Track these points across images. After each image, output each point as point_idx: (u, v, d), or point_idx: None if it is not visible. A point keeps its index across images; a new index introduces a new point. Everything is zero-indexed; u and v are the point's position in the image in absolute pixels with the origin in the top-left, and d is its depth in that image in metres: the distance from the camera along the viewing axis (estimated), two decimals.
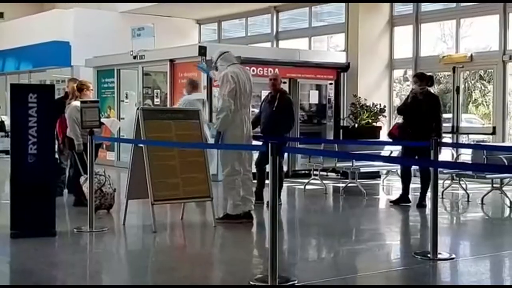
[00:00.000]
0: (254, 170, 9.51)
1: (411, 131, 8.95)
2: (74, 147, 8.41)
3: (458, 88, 12.66)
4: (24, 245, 6.30)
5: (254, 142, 10.17)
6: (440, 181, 7.68)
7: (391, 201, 9.52)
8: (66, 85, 10.10)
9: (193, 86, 10.26)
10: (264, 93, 11.11)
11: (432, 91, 9.39)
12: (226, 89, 7.48)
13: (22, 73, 19.34)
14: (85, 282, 5.38)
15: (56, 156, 8.66)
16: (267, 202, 8.77)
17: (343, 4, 14.43)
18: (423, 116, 8.96)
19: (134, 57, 14.26)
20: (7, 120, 18.10)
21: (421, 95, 9.07)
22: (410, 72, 13.65)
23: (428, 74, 9.63)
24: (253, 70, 12.15)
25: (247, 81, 7.71)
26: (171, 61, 13.65)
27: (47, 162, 6.68)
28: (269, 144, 5.02)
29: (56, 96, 8.94)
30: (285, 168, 11.99)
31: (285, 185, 10.48)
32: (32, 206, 6.52)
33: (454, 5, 13.08)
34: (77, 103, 8.17)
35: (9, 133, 17.09)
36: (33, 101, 6.55)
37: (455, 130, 12.68)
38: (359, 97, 13.02)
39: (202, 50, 12.64)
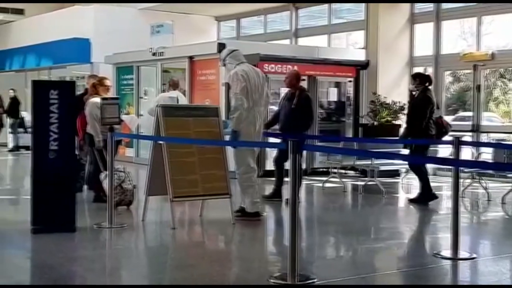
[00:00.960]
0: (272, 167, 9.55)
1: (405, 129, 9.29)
2: (94, 143, 8.45)
3: (478, 86, 12.55)
4: (45, 240, 6.35)
5: (272, 140, 10.22)
6: (460, 180, 7.60)
7: (410, 200, 9.46)
8: (86, 81, 10.15)
9: (171, 84, 10.86)
10: (283, 90, 11.10)
11: (429, 90, 9.35)
12: (238, 87, 7.50)
13: (42, 70, 19.47)
14: (104, 277, 5.41)
15: (76, 152, 8.70)
16: (286, 199, 8.84)
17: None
18: (410, 114, 9.31)
19: (153, 54, 14.32)
20: (27, 116, 18.26)
21: (415, 94, 9.26)
22: (430, 70, 13.54)
23: (426, 74, 9.77)
24: (272, 68, 12.16)
25: (258, 79, 7.72)
26: (190, 58, 13.68)
27: (67, 158, 6.72)
28: (289, 142, 4.99)
29: (76, 93, 8.97)
30: (303, 166, 11.98)
31: (303, 182, 10.47)
32: (52, 202, 6.56)
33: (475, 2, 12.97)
34: (96, 99, 8.21)
35: (29, 129, 17.26)
36: (54, 97, 6.60)
37: (476, 129, 12.57)
38: (379, 95, 12.95)
39: (221, 47, 12.62)
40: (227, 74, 7.81)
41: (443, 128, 9.32)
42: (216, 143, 7.50)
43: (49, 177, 6.57)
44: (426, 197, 9.19)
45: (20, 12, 20.77)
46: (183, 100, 10.87)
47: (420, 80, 9.28)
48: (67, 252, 6.02)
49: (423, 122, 9.03)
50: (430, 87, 9.38)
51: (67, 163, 6.70)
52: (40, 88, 6.75)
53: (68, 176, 6.74)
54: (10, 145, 18.34)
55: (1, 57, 21.04)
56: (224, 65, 7.92)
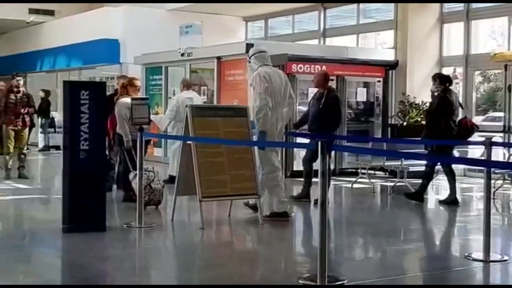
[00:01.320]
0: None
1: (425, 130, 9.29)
2: (123, 143, 8.52)
3: (510, 86, 12.36)
4: (75, 240, 6.42)
5: (300, 140, 10.20)
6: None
7: (440, 201, 9.37)
8: (116, 82, 10.23)
9: (185, 85, 10.98)
10: (311, 91, 11.08)
11: (449, 90, 9.30)
12: (261, 87, 7.61)
13: (72, 70, 19.69)
14: (134, 277, 5.45)
15: (106, 152, 8.78)
16: (315, 200, 8.82)
17: None
18: (429, 115, 9.34)
19: (182, 55, 14.38)
20: (57, 116, 18.49)
21: (436, 94, 9.25)
22: (459, 70, 13.39)
23: (446, 74, 9.77)
24: (300, 68, 12.13)
25: (280, 81, 7.82)
26: (218, 58, 13.71)
27: (98, 158, 6.79)
28: (319, 142, 4.97)
29: (106, 93, 9.05)
30: (332, 166, 11.92)
31: (332, 183, 10.42)
32: (83, 201, 6.63)
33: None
34: (126, 100, 8.27)
35: (59, 129, 17.41)
36: (85, 98, 6.66)
37: (507, 129, 12.38)
38: (408, 95, 12.85)
39: (249, 48, 12.57)
40: (250, 73, 7.94)
41: (468, 129, 9.19)
42: (245, 143, 7.51)
43: (80, 177, 6.63)
44: (418, 196, 9.21)
45: (51, 13, 21.04)
46: (198, 100, 10.96)
47: (440, 80, 9.25)
48: (97, 251, 6.08)
49: (442, 122, 8.97)
50: (450, 87, 9.33)
51: (97, 163, 6.77)
52: (71, 89, 6.81)
53: (98, 175, 6.80)
54: (41, 144, 18.57)
55: (32, 57, 21.33)
56: (249, 62, 8.01)
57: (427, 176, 9.33)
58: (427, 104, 12.44)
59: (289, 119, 8.11)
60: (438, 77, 9.43)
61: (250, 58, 7.99)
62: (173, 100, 10.55)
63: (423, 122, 12.40)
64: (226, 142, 7.35)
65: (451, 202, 9.10)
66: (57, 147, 17.95)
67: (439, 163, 9.32)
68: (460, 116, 9.58)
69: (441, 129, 8.93)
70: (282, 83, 7.84)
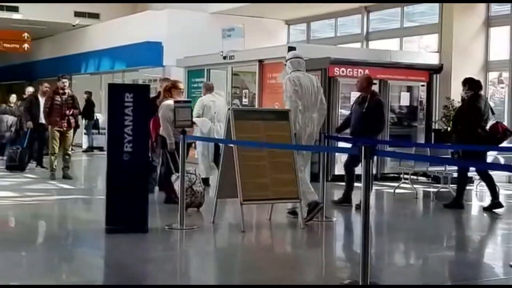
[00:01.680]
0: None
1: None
2: (167, 145, 8.58)
3: None
4: (118, 240, 6.49)
5: (342, 144, 10.12)
6: None
7: (484, 208, 9.20)
8: (159, 85, 10.32)
9: (207, 88, 11.15)
10: (354, 95, 11.00)
11: (479, 95, 9.24)
12: (291, 91, 7.82)
13: (115, 73, 19.96)
14: (175, 278, 5.48)
15: (148, 154, 8.86)
16: (356, 205, 8.75)
17: (437, 4, 14.07)
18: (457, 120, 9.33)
19: (224, 58, 14.44)
20: (101, 118, 18.77)
21: (465, 100, 9.24)
22: (505, 75, 13.14)
23: (476, 79, 9.59)
24: (342, 71, 12.06)
25: (312, 87, 7.97)
26: (260, 61, 13.73)
27: (141, 160, 6.86)
28: (362, 147, 4.92)
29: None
30: (373, 171, 11.82)
31: (373, 188, 10.33)
32: (126, 203, 6.70)
33: None
34: (170, 102, 8.34)
35: (103, 131, 17.63)
36: (129, 100, 6.73)
37: None
38: (452, 100, 12.65)
39: (291, 51, 12.61)
40: (283, 76, 8.17)
41: (499, 134, 9.12)
42: (287, 146, 7.48)
43: (123, 179, 6.71)
44: (456, 203, 9.10)
45: (96, 16, 21.39)
46: (221, 103, 11.14)
47: (469, 86, 9.21)
48: (140, 253, 6.13)
49: (470, 128, 8.91)
50: (480, 92, 9.24)
51: (140, 165, 6.83)
52: (116, 91, 6.91)
53: (141, 177, 6.86)
54: (84, 145, 18.86)
55: (77, 60, 21.71)
56: (285, 65, 8.22)
57: (461, 182, 9.20)
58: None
59: (321, 125, 8.09)
60: (467, 82, 9.35)
61: (286, 61, 8.19)
62: (196, 105, 10.69)
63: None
64: (268, 146, 7.34)
65: (494, 207, 8.94)
66: (100, 148, 18.23)
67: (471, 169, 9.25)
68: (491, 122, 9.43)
69: (468, 135, 8.89)
70: (313, 88, 7.98)
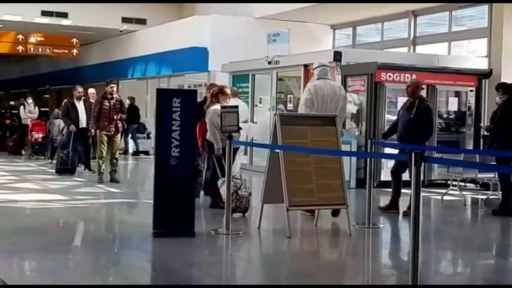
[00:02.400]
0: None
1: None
2: (214, 150, 8.61)
3: None
4: (165, 244, 6.54)
5: (388, 150, 10.01)
6: None
7: None
8: (205, 90, 10.36)
9: (232, 94, 10.94)
10: (400, 100, 10.88)
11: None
12: (303, 99, 8.60)
13: (162, 78, 20.17)
14: (221, 283, 5.48)
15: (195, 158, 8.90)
16: (403, 211, 8.64)
17: (486, 8, 13.82)
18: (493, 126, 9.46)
19: (269, 63, 14.44)
20: (146, 123, 18.96)
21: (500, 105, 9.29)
22: None
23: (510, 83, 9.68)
24: (390, 76, 11.93)
25: (333, 94, 8.51)
26: (305, 66, 13.68)
27: (188, 164, 6.89)
28: (412, 154, 4.85)
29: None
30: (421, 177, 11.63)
31: (421, 194, 10.16)
32: (173, 207, 6.74)
33: None
34: (217, 107, 8.36)
35: (148, 135, 17.79)
36: (177, 105, 6.78)
37: None
38: None
39: (338, 56, 12.57)
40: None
41: None
42: (333, 152, 7.43)
43: (171, 183, 6.75)
44: (505, 210, 8.97)
45: (143, 22, 21.67)
46: (244, 108, 11.26)
47: (503, 90, 9.38)
48: (186, 257, 6.17)
49: (504, 132, 8.91)
50: None
51: (187, 169, 6.87)
52: (164, 96, 6.96)
53: (188, 182, 6.90)
54: (130, 150, 19.07)
55: (124, 65, 22.03)
56: (312, 73, 8.89)
57: (506, 188, 9.08)
58: None
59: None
60: (501, 87, 9.41)
61: (313, 70, 8.78)
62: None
63: None
64: (314, 151, 7.30)
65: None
66: (146, 152, 18.43)
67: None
68: None
69: (506, 139, 8.93)
70: (334, 96, 8.52)
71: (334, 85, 8.75)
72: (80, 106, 13.14)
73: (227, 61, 16.05)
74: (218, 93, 8.72)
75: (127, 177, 13.99)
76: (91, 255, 6.31)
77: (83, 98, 13.28)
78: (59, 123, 15.03)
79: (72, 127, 13.10)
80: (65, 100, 14.12)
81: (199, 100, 10.22)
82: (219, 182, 8.34)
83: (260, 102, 15.41)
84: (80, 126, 13.09)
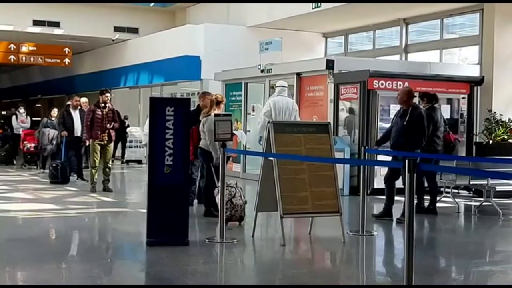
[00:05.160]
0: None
1: None
2: (212, 160, 8.57)
3: None
4: (159, 253, 6.51)
5: (381, 157, 10.03)
6: None
7: None
8: (199, 98, 10.34)
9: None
10: (393, 107, 10.91)
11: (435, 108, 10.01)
12: (264, 110, 10.96)
13: (154, 86, 20.16)
14: None
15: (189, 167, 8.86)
16: (397, 219, 8.64)
17: (477, 16, 13.91)
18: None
19: (262, 71, 14.46)
20: (138, 132, 18.93)
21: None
22: None
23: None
24: (382, 84, 11.96)
25: (286, 108, 10.75)
26: (298, 74, 13.72)
27: (182, 173, 6.87)
28: (406, 161, 4.86)
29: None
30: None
31: (414, 202, 10.17)
32: (167, 216, 6.73)
33: None
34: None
35: (139, 144, 17.77)
36: (170, 114, 6.77)
37: None
38: (494, 112, 12.46)
39: (330, 64, 12.61)
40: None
41: (452, 143, 10.25)
42: (327, 160, 7.44)
43: (164, 192, 6.74)
44: None
45: (135, 31, 21.68)
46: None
47: (427, 99, 10.01)
48: (181, 265, 6.14)
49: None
50: (436, 105, 10.06)
51: (181, 178, 6.85)
52: (157, 105, 6.95)
53: (182, 190, 6.88)
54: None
55: (116, 74, 22.02)
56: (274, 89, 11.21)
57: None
58: None
59: None
60: (425, 96, 10.02)
61: (275, 87, 11.32)
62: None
63: (511, 141, 12.05)
64: (308, 159, 7.30)
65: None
66: (139, 161, 18.39)
67: None
68: None
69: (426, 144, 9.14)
70: (287, 109, 10.76)
71: (289, 101, 11.02)
72: (75, 114, 13.21)
73: (219, 70, 16.07)
74: (220, 101, 8.74)
75: (120, 186, 13.94)
76: (84, 265, 6.26)
77: (79, 107, 13.36)
78: (48, 132, 14.99)
79: (64, 133, 13.14)
80: (61, 109, 14.18)
81: (192, 108, 10.24)
82: (216, 190, 8.31)
83: (253, 110, 15.42)
84: (75, 135, 13.12)
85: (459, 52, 15.52)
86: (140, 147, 18.59)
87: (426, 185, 9.93)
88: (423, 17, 15.47)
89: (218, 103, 8.74)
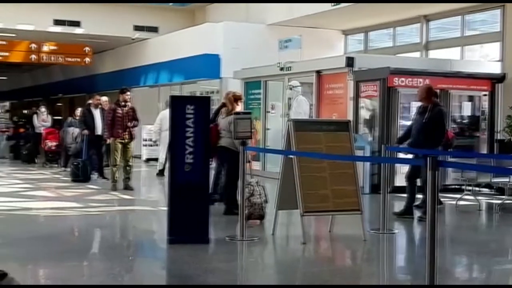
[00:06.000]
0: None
1: None
2: (228, 157, 8.56)
3: None
4: (181, 251, 6.52)
5: (401, 155, 9.96)
6: None
7: None
8: (224, 96, 10.32)
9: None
10: (414, 105, 10.84)
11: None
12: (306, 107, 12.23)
13: (174, 85, 20.21)
14: None
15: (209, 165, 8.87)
16: (418, 217, 8.59)
17: (499, 12, 13.76)
18: None
19: (281, 69, 14.44)
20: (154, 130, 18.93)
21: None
22: None
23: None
24: (402, 81, 11.89)
25: None
26: (318, 72, 13.67)
27: (202, 171, 6.88)
28: (428, 158, 4.82)
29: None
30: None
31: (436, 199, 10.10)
32: (188, 214, 6.74)
33: None
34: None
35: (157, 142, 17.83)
36: (191, 112, 6.78)
37: None
38: None
39: (350, 61, 12.56)
40: (295, 95, 12.93)
41: (448, 141, 9.77)
42: (348, 158, 7.41)
43: (185, 190, 6.75)
44: None
45: (155, 30, 21.75)
46: None
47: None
48: (202, 263, 6.15)
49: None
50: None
51: (201, 176, 6.86)
52: (178, 103, 6.97)
53: (202, 188, 6.89)
54: (144, 157, 19.12)
55: (136, 73, 22.09)
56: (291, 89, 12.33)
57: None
58: None
59: None
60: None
61: (296, 87, 12.67)
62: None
63: None
64: (328, 157, 7.28)
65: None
66: (156, 159, 18.44)
67: None
68: None
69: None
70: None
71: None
72: (97, 113, 13.31)
73: (239, 68, 16.07)
74: (237, 99, 8.73)
75: (141, 184, 14.00)
76: (105, 263, 6.31)
77: (99, 106, 13.47)
78: (73, 131, 15.14)
79: (85, 131, 13.24)
80: (82, 108, 14.32)
81: (215, 107, 10.22)
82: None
83: (273, 108, 15.40)
84: (96, 133, 13.22)
85: (480, 49, 15.37)
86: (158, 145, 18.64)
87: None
88: (444, 13, 15.32)
89: (236, 100, 8.73)
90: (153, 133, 14.82)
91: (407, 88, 11.78)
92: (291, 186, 7.18)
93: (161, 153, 14.84)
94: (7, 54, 21.94)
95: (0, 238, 7.38)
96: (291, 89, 12.98)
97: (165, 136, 13.99)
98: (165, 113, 14.12)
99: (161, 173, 14.37)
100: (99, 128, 13.21)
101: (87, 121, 13.37)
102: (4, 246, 6.93)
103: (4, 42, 21.76)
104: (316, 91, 13.66)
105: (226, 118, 8.73)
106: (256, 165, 15.17)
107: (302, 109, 12.71)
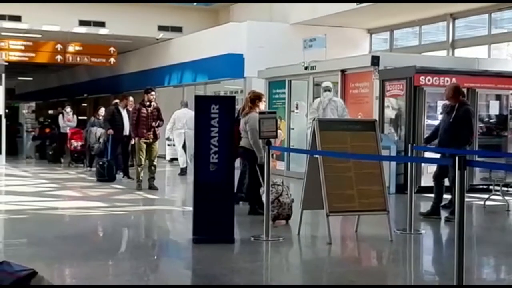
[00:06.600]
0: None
1: None
2: (255, 159, 8.52)
3: None
4: (206, 251, 6.52)
5: (429, 154, 9.85)
6: None
7: None
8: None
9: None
10: (440, 104, 10.72)
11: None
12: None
13: (198, 85, 20.25)
14: None
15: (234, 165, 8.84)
16: (445, 217, 8.49)
17: None
18: None
19: (306, 68, 14.37)
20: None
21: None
22: None
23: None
24: (428, 80, 11.76)
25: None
26: (342, 71, 13.59)
27: (227, 170, 6.86)
28: (456, 158, 4.74)
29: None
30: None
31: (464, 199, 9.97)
32: (213, 213, 6.72)
33: None
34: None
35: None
36: (215, 112, 6.77)
37: None
38: None
39: (375, 60, 12.46)
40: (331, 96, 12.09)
41: None
42: (374, 157, 7.33)
43: (210, 189, 6.74)
44: None
45: (179, 30, 21.81)
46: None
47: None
48: (227, 263, 6.14)
49: None
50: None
51: (226, 175, 6.85)
52: (202, 103, 6.96)
53: (227, 188, 6.87)
54: (168, 157, 19.17)
55: (160, 73, 22.18)
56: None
57: None
58: None
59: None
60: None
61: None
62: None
63: None
64: (354, 157, 7.21)
65: None
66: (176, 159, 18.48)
67: None
68: None
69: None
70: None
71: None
72: (124, 113, 13.40)
73: (263, 67, 16.03)
74: (255, 98, 8.68)
75: (166, 184, 14.04)
76: (130, 262, 6.32)
77: (126, 106, 13.57)
78: (96, 131, 15.22)
79: (110, 131, 13.31)
80: (110, 106, 14.41)
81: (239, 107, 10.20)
82: (261, 190, 8.26)
83: (297, 108, 15.35)
84: (124, 134, 13.30)
85: (507, 47, 15.17)
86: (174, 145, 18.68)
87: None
88: (470, 11, 15.15)
89: (253, 101, 8.66)
90: (166, 131, 15.06)
91: (433, 87, 11.65)
92: (316, 186, 7.12)
93: (178, 152, 15.32)
94: (33, 55, 22.14)
95: (26, 237, 7.45)
96: (330, 90, 12.15)
97: (178, 134, 14.89)
98: (179, 113, 15.06)
99: (182, 171, 14.69)
100: (127, 128, 13.27)
101: (116, 121, 13.43)
102: (31, 245, 6.98)
103: (30, 43, 21.96)
104: (341, 90, 13.57)
105: (244, 118, 8.70)
106: (280, 165, 15.16)
107: (346, 111, 12.00)
